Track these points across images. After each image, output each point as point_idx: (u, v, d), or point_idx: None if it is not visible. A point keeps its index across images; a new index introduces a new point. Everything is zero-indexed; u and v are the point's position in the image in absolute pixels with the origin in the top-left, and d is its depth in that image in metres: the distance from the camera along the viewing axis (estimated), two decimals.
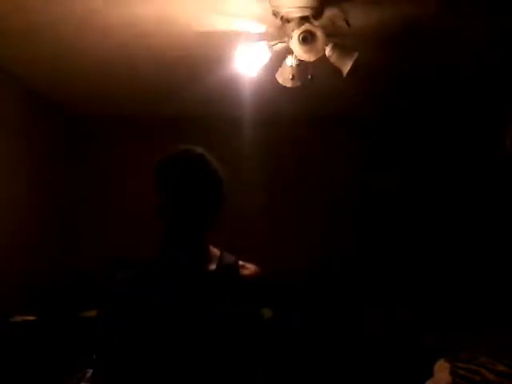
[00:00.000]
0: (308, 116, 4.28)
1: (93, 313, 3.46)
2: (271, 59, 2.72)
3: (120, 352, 1.25)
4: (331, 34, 2.58)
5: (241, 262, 1.36)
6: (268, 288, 1.34)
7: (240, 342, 1.26)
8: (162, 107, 4.24)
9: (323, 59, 2.55)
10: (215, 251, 1.37)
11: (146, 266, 1.34)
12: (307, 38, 2.37)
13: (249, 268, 1.35)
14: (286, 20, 2.53)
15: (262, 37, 2.72)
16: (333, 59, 2.57)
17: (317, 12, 2.47)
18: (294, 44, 2.41)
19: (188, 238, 1.34)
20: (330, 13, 2.52)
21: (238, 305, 1.28)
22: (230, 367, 1.25)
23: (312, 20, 2.47)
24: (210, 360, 1.23)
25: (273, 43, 2.68)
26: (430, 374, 2.77)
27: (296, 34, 2.39)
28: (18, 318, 3.19)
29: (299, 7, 2.44)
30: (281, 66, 2.79)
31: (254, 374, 1.29)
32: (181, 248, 1.33)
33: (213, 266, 1.31)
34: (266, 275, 1.36)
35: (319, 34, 2.37)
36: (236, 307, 1.27)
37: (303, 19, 2.46)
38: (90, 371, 2.81)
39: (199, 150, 1.39)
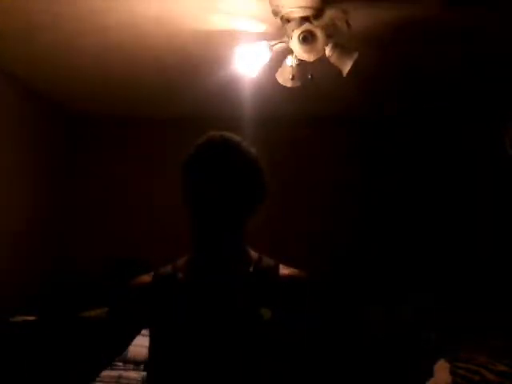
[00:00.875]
0: (308, 116, 4.27)
1: (93, 313, 3.46)
2: (271, 59, 2.72)
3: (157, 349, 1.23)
4: (331, 34, 2.58)
5: (281, 265, 1.28)
6: (309, 291, 1.27)
7: (273, 345, 1.19)
8: (162, 107, 4.24)
9: (323, 59, 2.55)
10: (254, 254, 1.29)
11: (179, 266, 1.27)
12: (307, 38, 2.37)
13: (291, 270, 1.27)
14: (286, 20, 2.53)
15: (262, 37, 2.72)
16: (333, 59, 2.57)
17: (317, 12, 2.47)
18: (294, 44, 2.41)
19: (223, 237, 1.23)
20: (330, 13, 2.51)
21: (275, 307, 1.19)
22: (265, 370, 1.19)
23: (312, 20, 2.47)
24: (237, 367, 1.17)
25: (273, 43, 2.68)
26: (430, 374, 2.78)
27: (296, 33, 2.39)
28: (18, 318, 3.19)
29: (300, 7, 2.44)
30: (281, 66, 2.79)
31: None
32: (215, 248, 1.23)
33: (250, 269, 1.23)
34: (307, 278, 1.28)
35: (319, 34, 2.38)
36: (274, 310, 1.19)
37: (303, 19, 2.46)
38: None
39: (236, 137, 1.29)
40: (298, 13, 2.45)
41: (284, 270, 1.26)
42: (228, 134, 1.29)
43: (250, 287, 1.21)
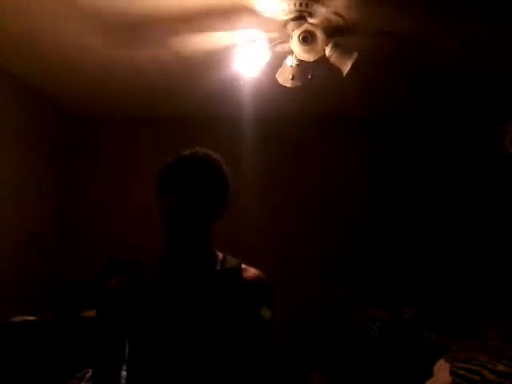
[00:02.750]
0: (308, 116, 4.27)
1: (93, 313, 3.46)
2: (271, 59, 2.72)
3: (127, 350, 1.30)
4: (332, 32, 2.58)
5: (243, 265, 1.38)
6: (268, 291, 1.36)
7: (244, 341, 1.28)
8: (162, 107, 4.24)
9: (323, 59, 2.55)
10: (219, 254, 1.40)
11: (150, 265, 1.37)
12: (307, 38, 2.38)
13: (251, 271, 1.37)
14: (286, 20, 2.53)
15: (262, 37, 2.72)
16: (333, 59, 2.57)
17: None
18: (294, 44, 2.41)
19: (192, 240, 1.35)
20: (321, 9, 2.52)
21: (241, 305, 1.30)
22: (232, 367, 1.26)
23: (308, 18, 2.48)
24: (213, 360, 1.25)
25: (273, 43, 2.68)
26: (430, 374, 2.77)
27: (296, 34, 2.39)
28: (18, 318, 3.19)
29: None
30: (281, 66, 2.80)
31: (258, 374, 1.30)
32: (185, 249, 1.35)
33: (216, 267, 1.35)
34: (267, 279, 1.38)
35: (319, 34, 2.38)
36: (239, 307, 1.29)
37: (301, 18, 2.47)
38: (90, 371, 2.82)
39: (213, 154, 1.41)
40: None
41: (247, 271, 1.37)
42: (200, 152, 1.39)
43: (217, 285, 1.31)
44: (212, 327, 1.26)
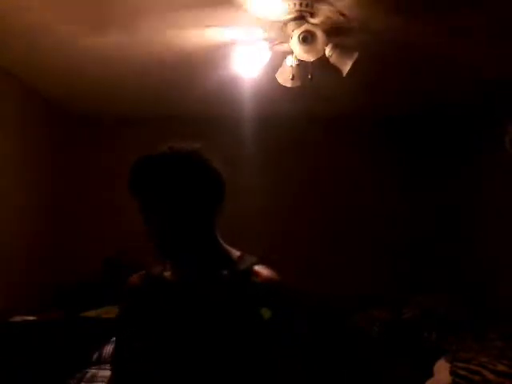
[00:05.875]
0: (308, 116, 4.27)
1: (93, 313, 3.46)
2: (271, 59, 2.72)
3: (129, 351, 1.24)
4: (333, 32, 2.58)
5: (256, 267, 1.22)
6: (279, 295, 1.20)
7: (242, 348, 1.16)
8: (162, 107, 4.24)
9: (323, 59, 2.55)
10: (234, 255, 1.27)
11: (166, 268, 1.28)
12: (307, 38, 2.38)
13: (263, 274, 1.21)
14: (286, 20, 2.53)
15: (262, 37, 2.72)
16: (333, 59, 2.57)
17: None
18: (294, 44, 2.41)
19: (186, 245, 1.22)
20: (322, 8, 2.52)
21: (243, 312, 1.17)
22: (231, 374, 1.16)
23: (309, 18, 2.48)
24: (208, 368, 1.16)
25: (273, 43, 2.68)
26: (430, 374, 2.78)
27: (296, 33, 2.39)
28: (18, 318, 3.19)
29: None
30: (281, 66, 2.79)
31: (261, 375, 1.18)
32: (186, 255, 1.23)
33: (225, 271, 1.21)
34: (279, 282, 1.22)
35: (319, 34, 2.38)
36: (240, 314, 1.17)
37: (301, 18, 2.47)
38: (90, 371, 2.82)
39: (189, 147, 1.24)
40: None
41: (259, 274, 1.21)
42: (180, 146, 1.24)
43: (224, 291, 1.19)
44: (207, 334, 1.17)
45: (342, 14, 2.55)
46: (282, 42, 2.69)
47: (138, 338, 1.23)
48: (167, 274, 1.26)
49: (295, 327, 1.18)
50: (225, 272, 1.21)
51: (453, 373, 2.61)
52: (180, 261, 1.25)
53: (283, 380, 1.18)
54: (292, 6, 2.48)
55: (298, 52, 2.44)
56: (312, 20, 2.52)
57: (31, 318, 3.23)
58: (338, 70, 2.62)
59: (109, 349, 2.97)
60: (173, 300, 1.22)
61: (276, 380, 1.17)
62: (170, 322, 1.20)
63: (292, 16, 2.51)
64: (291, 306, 1.19)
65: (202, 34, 2.82)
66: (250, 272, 1.20)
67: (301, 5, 2.46)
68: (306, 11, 2.48)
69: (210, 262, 1.23)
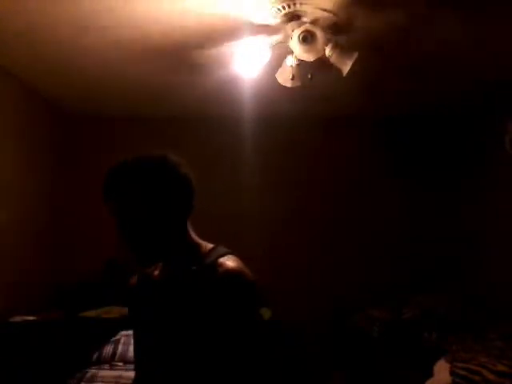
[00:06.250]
0: (308, 116, 4.27)
1: (93, 313, 3.46)
2: (271, 59, 2.72)
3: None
4: (331, 34, 2.58)
5: (220, 260, 1.24)
6: (235, 288, 1.20)
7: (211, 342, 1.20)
8: (162, 107, 4.24)
9: (323, 59, 2.55)
10: (205, 249, 1.31)
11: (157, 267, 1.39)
12: (307, 38, 2.38)
13: (224, 267, 1.22)
14: (286, 20, 2.53)
15: (262, 37, 2.72)
16: (333, 59, 2.57)
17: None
18: (294, 44, 2.41)
19: (159, 243, 1.26)
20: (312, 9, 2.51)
21: (204, 305, 1.21)
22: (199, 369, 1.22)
23: (304, 18, 2.48)
24: (173, 362, 1.25)
25: (273, 43, 2.68)
26: (430, 374, 2.77)
27: (296, 34, 2.39)
28: (18, 318, 3.19)
29: None
30: (281, 66, 2.79)
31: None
32: (159, 252, 1.28)
33: (194, 267, 1.26)
34: (235, 275, 1.22)
35: (319, 33, 2.38)
36: (202, 307, 1.21)
37: (299, 17, 2.47)
38: (90, 371, 2.82)
39: (160, 153, 1.28)
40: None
41: (221, 266, 1.23)
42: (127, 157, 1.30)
43: (191, 285, 1.25)
44: (173, 327, 1.26)
45: (331, 12, 2.54)
46: (281, 42, 2.68)
47: (135, 330, 1.41)
48: (156, 272, 1.36)
49: (243, 319, 1.21)
50: (194, 267, 1.26)
51: (453, 373, 2.61)
52: (156, 261, 1.33)
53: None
54: (281, 9, 2.47)
55: (298, 52, 2.44)
56: (306, 19, 2.51)
57: (31, 317, 3.23)
58: (338, 70, 2.62)
59: (109, 349, 2.98)
60: (153, 296, 1.33)
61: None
62: (149, 314, 1.32)
63: (285, 18, 2.51)
64: (243, 298, 1.20)
65: (201, 34, 2.83)
66: (215, 264, 1.24)
67: (289, 6, 2.45)
68: (297, 11, 2.48)
69: (183, 259, 1.29)
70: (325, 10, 2.50)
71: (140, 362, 1.40)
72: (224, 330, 1.19)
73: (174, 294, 1.27)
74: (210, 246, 1.32)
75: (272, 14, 2.53)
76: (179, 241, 1.28)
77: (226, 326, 1.19)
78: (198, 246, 1.31)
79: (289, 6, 2.45)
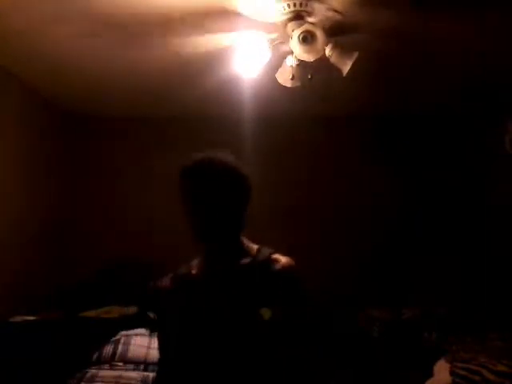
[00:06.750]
0: (308, 116, 4.27)
1: (93, 313, 3.46)
2: (271, 59, 2.72)
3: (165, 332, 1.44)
4: (331, 34, 2.58)
5: (274, 256, 1.41)
6: (294, 280, 1.39)
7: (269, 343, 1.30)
8: (162, 107, 4.24)
9: (323, 59, 2.55)
10: (253, 247, 1.44)
11: (191, 267, 1.45)
12: (307, 38, 2.37)
13: (281, 261, 1.40)
14: (286, 20, 2.53)
15: (262, 37, 2.72)
16: (333, 59, 2.57)
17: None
18: (294, 44, 2.41)
19: (221, 237, 1.39)
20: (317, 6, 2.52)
21: (265, 298, 1.31)
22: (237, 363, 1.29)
23: (307, 17, 2.48)
24: (239, 361, 1.29)
25: (273, 43, 2.68)
26: (430, 374, 2.77)
27: (296, 34, 2.39)
28: (18, 318, 3.19)
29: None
30: (281, 66, 2.79)
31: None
32: (215, 246, 1.40)
33: (246, 261, 1.38)
34: (294, 268, 1.41)
35: (319, 34, 2.38)
36: (263, 301, 1.31)
37: (299, 18, 2.47)
38: (90, 371, 2.82)
39: (228, 156, 1.49)
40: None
41: (277, 261, 1.40)
42: (210, 154, 1.49)
43: (247, 281, 1.35)
44: (237, 317, 1.30)
45: (340, 13, 2.54)
46: (281, 42, 2.68)
47: (173, 331, 1.40)
48: (194, 271, 1.43)
49: (306, 303, 1.38)
50: (246, 261, 1.38)
51: (453, 373, 2.61)
52: (208, 250, 1.42)
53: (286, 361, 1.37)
54: (287, 7, 2.47)
55: (298, 52, 2.44)
56: (311, 19, 2.52)
57: (31, 317, 3.23)
58: (338, 70, 2.62)
59: (109, 349, 2.98)
60: (198, 296, 1.38)
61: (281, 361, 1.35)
62: (196, 312, 1.35)
63: (290, 16, 2.51)
64: (302, 285, 1.39)
65: (202, 37, 2.83)
66: (269, 260, 1.39)
67: (295, 5, 2.46)
68: (302, 11, 2.48)
69: (232, 253, 1.40)
70: (334, 10, 2.51)
71: (179, 358, 1.38)
72: (288, 315, 1.31)
73: (233, 286, 1.35)
74: (256, 246, 1.46)
75: (276, 11, 2.53)
76: (234, 234, 1.42)
77: (290, 312, 1.32)
78: (243, 243, 1.44)
79: (294, 5, 2.45)
